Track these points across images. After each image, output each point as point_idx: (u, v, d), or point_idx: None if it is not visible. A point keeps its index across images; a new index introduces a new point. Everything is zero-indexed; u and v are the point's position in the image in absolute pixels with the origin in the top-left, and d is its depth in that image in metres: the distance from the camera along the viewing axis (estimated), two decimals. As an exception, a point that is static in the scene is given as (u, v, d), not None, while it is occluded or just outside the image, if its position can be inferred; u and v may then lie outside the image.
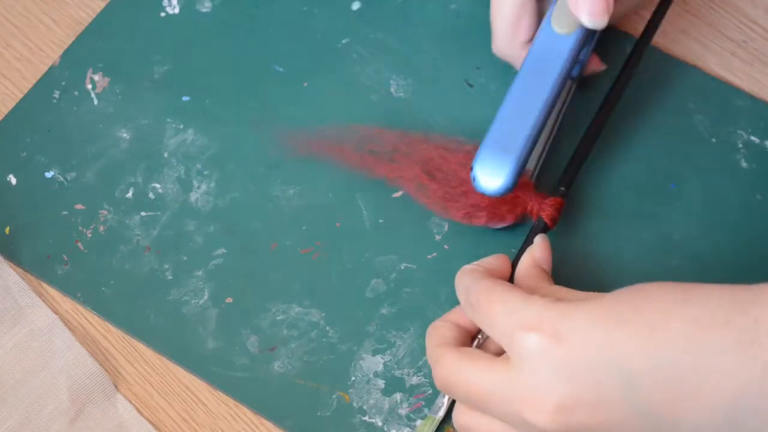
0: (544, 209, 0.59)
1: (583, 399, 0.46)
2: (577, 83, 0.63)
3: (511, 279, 0.56)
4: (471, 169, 0.57)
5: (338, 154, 0.62)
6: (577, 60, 0.59)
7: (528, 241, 0.57)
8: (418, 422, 0.56)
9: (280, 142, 0.63)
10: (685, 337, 0.44)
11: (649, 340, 0.45)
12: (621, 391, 0.46)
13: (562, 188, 0.59)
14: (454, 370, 0.50)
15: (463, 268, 0.54)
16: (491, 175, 0.56)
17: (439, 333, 0.53)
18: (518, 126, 0.57)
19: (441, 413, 0.55)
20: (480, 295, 0.51)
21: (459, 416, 0.52)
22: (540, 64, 0.58)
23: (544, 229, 0.58)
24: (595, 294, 0.50)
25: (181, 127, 0.64)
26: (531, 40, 0.61)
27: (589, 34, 0.59)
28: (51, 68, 0.65)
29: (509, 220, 0.60)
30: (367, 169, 0.62)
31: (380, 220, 0.61)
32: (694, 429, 0.45)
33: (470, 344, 0.53)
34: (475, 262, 0.55)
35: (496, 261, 0.56)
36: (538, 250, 0.56)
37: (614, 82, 0.62)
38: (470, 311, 0.52)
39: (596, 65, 0.63)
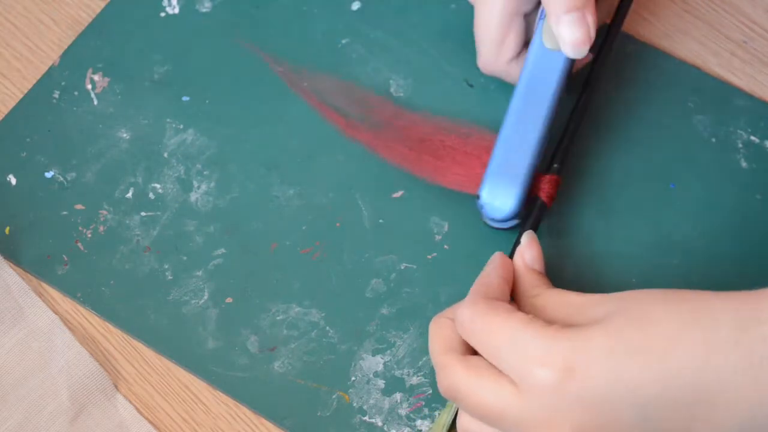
0: (541, 187, 0.58)
1: (599, 426, 0.46)
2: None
3: None
4: (477, 197, 0.57)
5: (324, 111, 0.62)
6: (571, 73, 0.59)
7: (527, 225, 0.57)
8: (421, 424, 0.56)
9: (274, 69, 0.64)
10: (696, 361, 0.45)
11: (660, 368, 0.45)
12: (636, 418, 0.46)
13: (556, 165, 0.59)
14: (463, 383, 0.49)
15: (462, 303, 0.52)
16: (499, 202, 0.57)
17: (444, 334, 0.52)
18: (521, 150, 0.57)
19: None
20: (477, 324, 0.49)
21: (464, 422, 0.52)
22: (535, 82, 0.58)
23: (542, 207, 0.58)
24: (600, 297, 0.49)
25: (181, 127, 0.64)
26: (517, 56, 0.61)
27: None
28: (51, 68, 0.65)
29: None
30: (351, 134, 0.62)
31: (380, 220, 0.61)
32: None
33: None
34: (477, 280, 0.53)
35: (498, 271, 0.54)
36: (527, 250, 0.55)
37: (594, 58, 0.62)
38: (470, 340, 0.50)
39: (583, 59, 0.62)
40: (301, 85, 0.64)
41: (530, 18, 0.61)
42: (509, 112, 0.58)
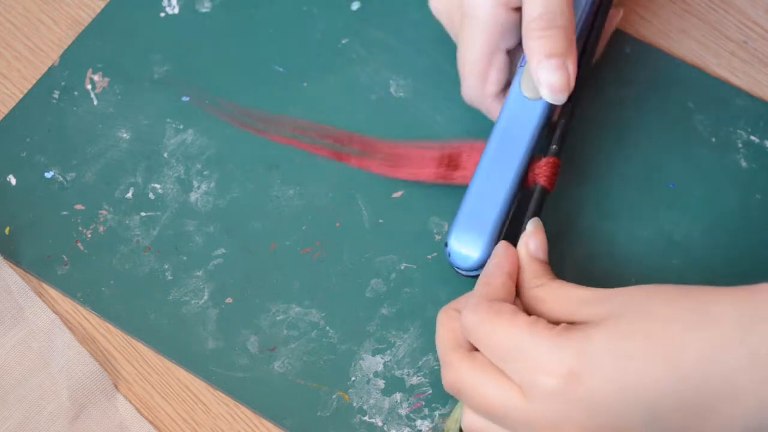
0: (540, 172, 0.57)
1: (607, 426, 0.47)
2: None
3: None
4: (445, 244, 0.56)
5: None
6: (548, 123, 0.58)
7: (529, 212, 0.56)
8: (421, 424, 0.56)
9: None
10: (702, 361, 0.45)
11: (665, 369, 0.45)
12: (642, 418, 0.46)
13: (554, 146, 0.57)
14: (468, 380, 0.49)
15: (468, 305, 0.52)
16: (466, 250, 0.56)
17: (452, 327, 0.52)
18: (492, 199, 0.56)
19: None
20: (481, 329, 0.49)
21: (469, 419, 0.52)
22: (510, 130, 0.57)
23: (543, 193, 0.56)
24: (602, 293, 0.49)
25: (181, 127, 0.64)
26: (502, 92, 0.60)
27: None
28: (51, 68, 0.65)
29: None
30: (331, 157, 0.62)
31: (380, 220, 0.61)
32: None
33: None
34: (480, 278, 0.53)
35: (502, 267, 0.54)
36: (533, 238, 0.54)
37: (586, 36, 0.61)
38: (476, 345, 0.50)
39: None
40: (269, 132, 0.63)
41: (514, 55, 0.60)
42: (483, 158, 0.57)
